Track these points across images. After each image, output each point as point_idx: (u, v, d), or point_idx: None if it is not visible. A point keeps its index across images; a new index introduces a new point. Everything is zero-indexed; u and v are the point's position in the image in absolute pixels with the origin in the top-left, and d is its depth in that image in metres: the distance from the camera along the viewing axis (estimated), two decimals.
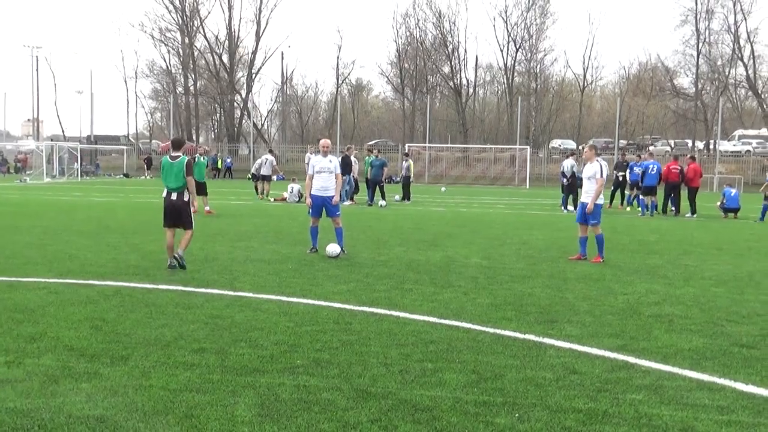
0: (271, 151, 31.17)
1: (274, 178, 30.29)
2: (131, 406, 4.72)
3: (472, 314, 7.64)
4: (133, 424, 4.43)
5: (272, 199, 26.70)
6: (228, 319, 7.14)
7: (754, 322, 7.57)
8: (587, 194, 12.03)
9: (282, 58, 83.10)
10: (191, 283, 9.11)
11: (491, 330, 6.95)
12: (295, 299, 8.22)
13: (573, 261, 11.80)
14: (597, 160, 12.05)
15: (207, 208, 19.88)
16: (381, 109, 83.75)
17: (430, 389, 5.17)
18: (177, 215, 10.30)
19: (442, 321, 7.29)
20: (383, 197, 25.01)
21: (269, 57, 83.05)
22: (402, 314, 7.54)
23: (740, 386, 5.38)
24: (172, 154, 10.38)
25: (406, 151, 38.34)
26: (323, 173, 12.02)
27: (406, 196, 27.26)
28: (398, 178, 29.08)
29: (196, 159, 20.76)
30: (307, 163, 27.58)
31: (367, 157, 26.46)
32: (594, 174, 11.90)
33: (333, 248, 11.66)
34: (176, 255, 10.17)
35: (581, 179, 22.97)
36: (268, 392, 5.02)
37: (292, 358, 5.87)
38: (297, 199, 26.02)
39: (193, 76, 67.62)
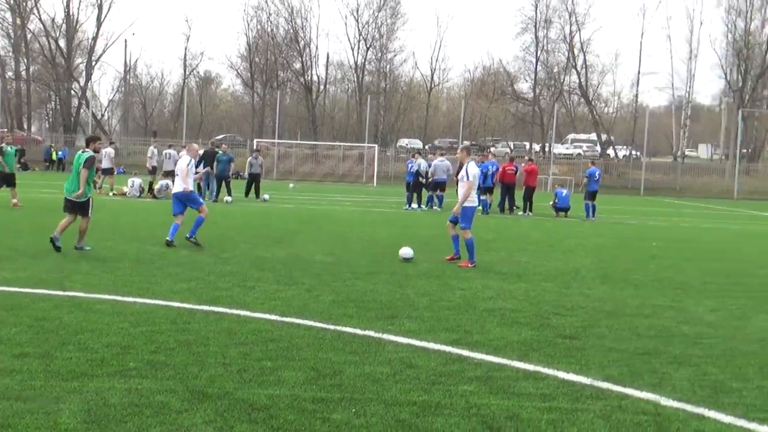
0: (112, 143, 29.73)
1: (116, 171, 28.91)
2: None
3: (314, 311, 7.67)
4: None
5: (112, 194, 25.51)
6: (55, 321, 6.75)
7: (577, 314, 8.11)
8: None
9: (125, 45, 79.67)
10: (15, 283, 8.52)
11: (332, 327, 7.00)
12: (130, 299, 7.91)
13: (434, 260, 11.87)
14: (473, 163, 11.88)
15: (14, 200, 18.63)
16: (230, 103, 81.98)
17: (268, 388, 5.14)
18: (75, 205, 11.33)
19: (284, 319, 7.27)
20: (229, 193, 24.54)
21: (111, 44, 79.00)
22: (243, 312, 7.45)
23: (562, 374, 5.73)
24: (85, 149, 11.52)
25: (256, 147, 37.79)
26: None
27: (256, 192, 26.60)
28: (245, 174, 28.35)
29: (3, 149, 18.68)
30: (150, 156, 27.09)
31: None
32: (462, 177, 11.72)
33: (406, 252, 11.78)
34: (77, 246, 11.30)
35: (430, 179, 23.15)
36: (96, 397, 4.79)
37: (125, 360, 5.64)
38: (138, 194, 25.03)
39: (25, 60, 63.27)
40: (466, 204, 11.65)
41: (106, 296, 7.97)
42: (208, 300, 7.99)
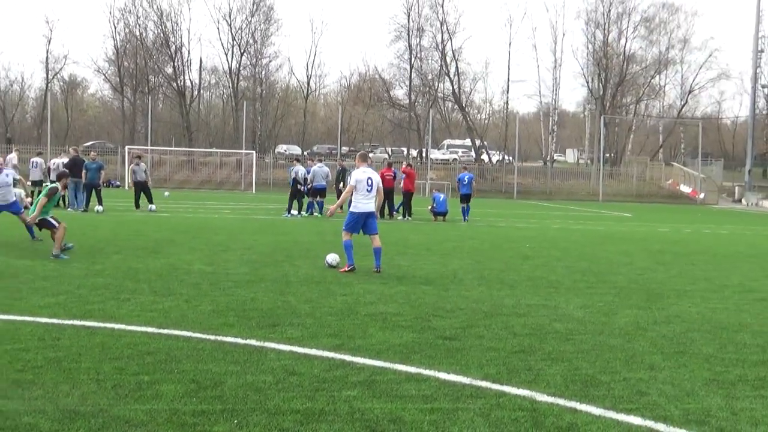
0: None
1: None
2: None
3: (193, 322, 7.48)
4: None
5: None
6: None
7: (457, 315, 8.30)
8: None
9: None
10: None
11: (212, 337, 6.85)
12: None
13: (316, 266, 11.72)
14: (363, 169, 11.83)
15: None
16: (98, 108, 78.73)
17: (145, 403, 4.96)
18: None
19: (162, 331, 7.04)
20: (100, 202, 23.51)
21: None
22: (118, 326, 7.16)
23: (443, 375, 5.85)
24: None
25: (139, 154, 36.05)
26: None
27: (148, 198, 25.07)
28: (117, 182, 27.03)
29: None
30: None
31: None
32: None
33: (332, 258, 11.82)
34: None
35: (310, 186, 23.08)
36: None
37: None
38: None
39: None
40: (351, 209, 11.73)
41: None
42: (79, 314, 7.63)
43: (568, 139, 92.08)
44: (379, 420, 4.81)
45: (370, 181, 11.65)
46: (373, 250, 11.67)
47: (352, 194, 11.70)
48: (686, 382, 5.95)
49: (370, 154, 56.84)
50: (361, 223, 11.68)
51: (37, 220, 12.65)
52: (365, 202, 11.66)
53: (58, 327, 7.06)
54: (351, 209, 11.75)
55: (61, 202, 24.94)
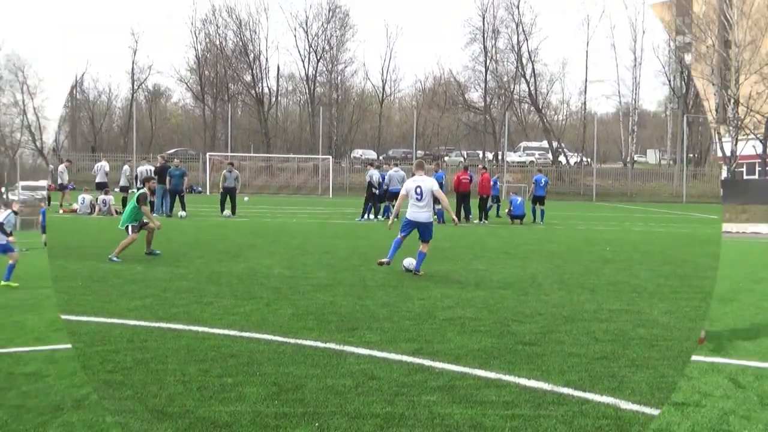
0: (69, 161, 29.95)
1: (70, 187, 28.42)
2: None
3: (273, 325, 7.60)
4: None
5: (61, 211, 24.98)
6: None
7: (536, 320, 8.18)
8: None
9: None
10: None
11: (293, 340, 6.95)
12: (85, 318, 7.74)
13: (393, 271, 11.72)
14: (414, 178, 11.92)
15: None
16: (181, 116, 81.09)
17: (229, 405, 5.07)
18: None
19: (243, 334, 7.19)
20: (183, 208, 24.20)
21: None
22: (201, 329, 7.35)
23: (523, 381, 5.77)
24: None
25: (231, 161, 36.43)
26: None
27: (233, 209, 25.42)
28: (198, 188, 27.80)
29: None
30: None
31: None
32: None
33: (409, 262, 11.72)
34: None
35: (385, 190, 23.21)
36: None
37: (81, 381, 5.51)
38: (89, 211, 24.55)
39: None
40: (406, 215, 11.97)
41: (61, 316, 7.79)
42: (164, 317, 7.87)
43: (648, 140, 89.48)
44: (460, 426, 4.78)
45: (419, 190, 11.72)
46: (418, 252, 11.69)
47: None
48: None
49: (446, 158, 56.76)
50: (412, 228, 11.80)
51: (156, 224, 13.51)
52: (416, 211, 11.78)
53: (145, 329, 7.29)
54: (406, 215, 11.94)
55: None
